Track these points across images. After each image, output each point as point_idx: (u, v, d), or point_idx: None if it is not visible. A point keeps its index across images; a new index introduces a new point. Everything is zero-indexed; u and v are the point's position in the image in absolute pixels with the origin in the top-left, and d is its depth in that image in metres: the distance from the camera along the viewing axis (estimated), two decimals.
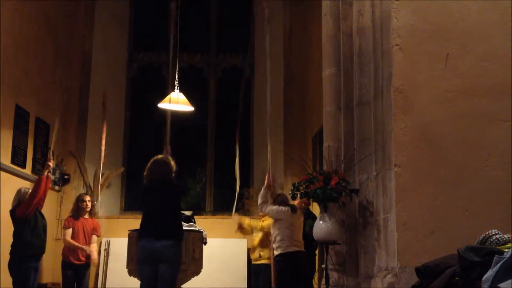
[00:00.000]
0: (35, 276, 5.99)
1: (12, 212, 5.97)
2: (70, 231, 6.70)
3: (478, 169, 4.20)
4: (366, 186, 4.59)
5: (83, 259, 6.71)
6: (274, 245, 5.87)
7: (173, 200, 5.17)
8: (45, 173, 6.05)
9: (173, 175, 5.27)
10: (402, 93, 4.27)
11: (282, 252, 5.74)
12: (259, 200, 5.83)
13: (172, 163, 5.26)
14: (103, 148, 7.48)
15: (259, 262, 6.78)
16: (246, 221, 6.86)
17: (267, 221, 6.57)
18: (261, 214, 6.86)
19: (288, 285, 5.70)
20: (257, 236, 6.77)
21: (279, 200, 6.00)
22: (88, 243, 6.79)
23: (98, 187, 7.87)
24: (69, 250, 6.69)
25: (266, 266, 6.65)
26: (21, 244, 5.87)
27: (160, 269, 4.96)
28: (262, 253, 6.70)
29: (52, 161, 6.32)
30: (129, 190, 9.60)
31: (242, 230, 6.94)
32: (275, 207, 5.76)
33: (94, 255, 6.83)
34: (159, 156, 5.37)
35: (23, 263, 5.85)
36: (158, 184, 5.16)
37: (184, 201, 8.43)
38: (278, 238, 5.79)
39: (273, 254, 6.04)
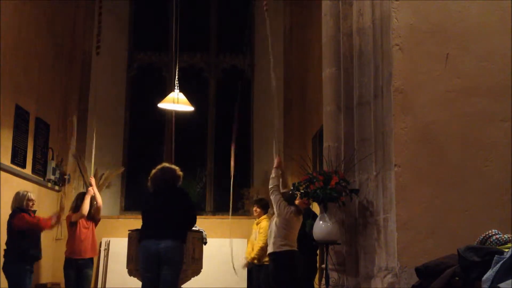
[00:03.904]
0: (30, 278, 5.99)
1: (10, 219, 5.96)
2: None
3: (478, 169, 4.19)
4: (366, 186, 4.58)
5: (85, 255, 6.67)
6: (268, 240, 5.79)
7: (178, 202, 5.14)
8: (53, 221, 6.29)
9: (180, 183, 5.30)
10: (402, 93, 4.27)
11: (276, 250, 5.66)
12: (270, 182, 5.67)
13: (179, 172, 5.29)
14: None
15: (255, 261, 6.77)
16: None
17: (265, 223, 6.59)
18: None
19: (282, 285, 5.65)
20: (253, 237, 6.76)
21: (286, 196, 5.79)
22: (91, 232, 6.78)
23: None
24: (71, 248, 6.64)
25: (260, 266, 6.65)
26: (17, 247, 5.86)
27: (162, 271, 4.89)
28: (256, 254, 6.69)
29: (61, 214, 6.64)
30: (129, 190, 9.59)
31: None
32: (283, 202, 5.60)
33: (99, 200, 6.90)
34: (166, 164, 5.38)
35: (18, 266, 5.84)
36: (164, 189, 5.15)
37: None
38: (273, 234, 5.69)
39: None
